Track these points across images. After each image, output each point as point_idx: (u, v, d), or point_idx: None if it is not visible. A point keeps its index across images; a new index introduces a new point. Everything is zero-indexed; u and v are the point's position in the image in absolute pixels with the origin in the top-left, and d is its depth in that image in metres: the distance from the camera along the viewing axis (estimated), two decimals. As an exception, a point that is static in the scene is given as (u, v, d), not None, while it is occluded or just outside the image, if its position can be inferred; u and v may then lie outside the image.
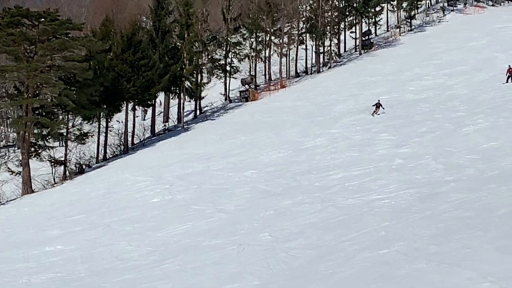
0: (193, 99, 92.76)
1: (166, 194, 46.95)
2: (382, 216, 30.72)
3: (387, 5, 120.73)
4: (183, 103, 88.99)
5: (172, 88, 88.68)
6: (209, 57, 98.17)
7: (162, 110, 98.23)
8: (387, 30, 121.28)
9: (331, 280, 23.78)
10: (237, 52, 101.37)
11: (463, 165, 37.08)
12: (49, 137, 73.32)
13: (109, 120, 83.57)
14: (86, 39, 73.92)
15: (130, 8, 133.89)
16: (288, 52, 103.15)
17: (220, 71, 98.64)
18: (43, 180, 74.03)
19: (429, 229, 27.01)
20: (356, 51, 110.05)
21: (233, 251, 30.88)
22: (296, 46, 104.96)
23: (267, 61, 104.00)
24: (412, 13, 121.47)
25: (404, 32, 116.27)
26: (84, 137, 77.99)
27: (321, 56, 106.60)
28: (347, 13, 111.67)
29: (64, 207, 50.33)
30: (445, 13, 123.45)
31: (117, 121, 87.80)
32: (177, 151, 66.59)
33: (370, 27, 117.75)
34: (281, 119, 71.01)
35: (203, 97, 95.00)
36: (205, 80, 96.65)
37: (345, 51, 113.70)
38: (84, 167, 76.14)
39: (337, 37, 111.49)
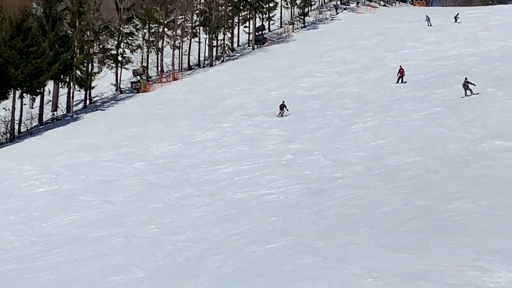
0: (83, 89, 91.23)
1: (53, 184, 46.09)
2: (270, 211, 30.93)
3: (281, 1, 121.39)
4: (73, 93, 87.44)
5: (61, 77, 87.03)
6: (101, 46, 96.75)
7: (51, 99, 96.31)
8: (281, 26, 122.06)
9: (217, 273, 23.79)
10: (129, 42, 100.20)
11: (351, 162, 37.68)
12: None
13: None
14: (-27, 23, 71.83)
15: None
16: (181, 45, 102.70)
17: (112, 61, 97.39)
18: None
19: (316, 224, 27.34)
20: (249, 46, 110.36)
21: (119, 243, 30.59)
22: (189, 38, 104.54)
23: (159, 53, 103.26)
24: (306, 10, 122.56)
25: (297, 28, 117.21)
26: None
27: (214, 49, 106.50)
28: (241, 8, 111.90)
29: None
30: (338, 11, 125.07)
31: (3, 108, 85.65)
32: (65, 141, 65.42)
33: (264, 23, 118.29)
34: (172, 112, 70.62)
35: (94, 87, 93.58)
36: (96, 70, 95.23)
37: (238, 45, 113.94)
38: (-32, 154, 73.96)
39: (230, 31, 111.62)
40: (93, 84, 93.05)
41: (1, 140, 77.88)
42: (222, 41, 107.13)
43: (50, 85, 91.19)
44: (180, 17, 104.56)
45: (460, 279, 18.88)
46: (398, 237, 23.57)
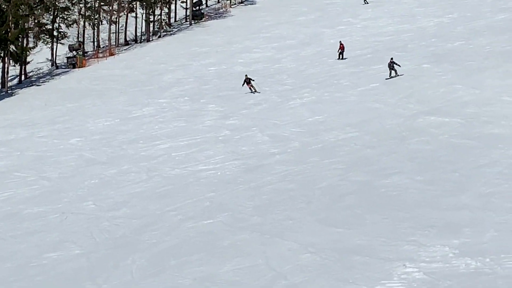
0: (18, 64, 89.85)
1: (-14, 160, 45.47)
2: (207, 186, 30.89)
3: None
4: (8, 68, 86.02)
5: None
6: (36, 21, 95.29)
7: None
8: (218, 2, 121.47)
9: (154, 249, 23.71)
10: (65, 17, 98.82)
11: (289, 138, 37.76)
12: None
13: None
14: None
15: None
16: (117, 20, 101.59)
17: (47, 36, 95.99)
18: None
19: (253, 200, 27.40)
20: (186, 21, 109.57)
21: (55, 220, 30.29)
22: (126, 13, 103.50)
23: (96, 28, 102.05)
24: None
25: (235, 4, 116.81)
26: None
27: (151, 25, 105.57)
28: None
29: None
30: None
31: None
32: (0, 116, 64.45)
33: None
34: (108, 87, 69.97)
35: (29, 62, 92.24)
36: (31, 45, 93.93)
37: (175, 21, 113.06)
38: None
39: (167, 6, 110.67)
40: (28, 59, 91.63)
41: None
42: (159, 16, 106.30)
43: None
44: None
45: (396, 253, 19.12)
46: (335, 213, 23.76)
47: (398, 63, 47.40)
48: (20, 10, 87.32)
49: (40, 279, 23.20)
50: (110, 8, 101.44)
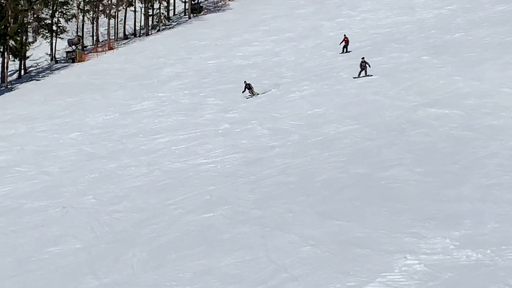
0: (18, 59, 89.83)
1: (-13, 155, 45.51)
2: (207, 180, 30.90)
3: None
4: (7, 63, 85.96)
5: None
6: (35, 16, 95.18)
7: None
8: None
9: (155, 243, 23.73)
10: (64, 12, 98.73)
11: (288, 131, 37.75)
12: None
13: None
14: None
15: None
16: (116, 14, 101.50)
17: (46, 31, 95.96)
18: None
19: (253, 193, 27.40)
20: (185, 15, 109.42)
21: (56, 214, 30.32)
22: (124, 7, 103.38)
23: (95, 22, 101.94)
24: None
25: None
26: None
27: (150, 19, 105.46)
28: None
29: None
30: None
31: None
32: (0, 111, 64.46)
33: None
34: (108, 82, 69.98)
35: (28, 57, 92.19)
36: (30, 40, 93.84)
37: (174, 14, 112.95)
38: None
39: (166, 0, 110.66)
40: (27, 54, 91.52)
41: None
42: (158, 10, 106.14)
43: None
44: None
45: (396, 245, 19.11)
46: (335, 205, 23.77)
47: (369, 64, 47.23)
48: (19, 5, 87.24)
49: (40, 274, 23.22)
50: (109, 2, 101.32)
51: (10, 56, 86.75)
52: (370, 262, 18.32)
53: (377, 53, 54.23)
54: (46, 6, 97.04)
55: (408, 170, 26.45)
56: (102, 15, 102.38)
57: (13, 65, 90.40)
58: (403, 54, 50.57)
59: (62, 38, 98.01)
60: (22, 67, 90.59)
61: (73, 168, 38.74)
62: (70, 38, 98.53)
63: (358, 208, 22.88)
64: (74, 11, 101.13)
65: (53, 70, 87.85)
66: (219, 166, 33.07)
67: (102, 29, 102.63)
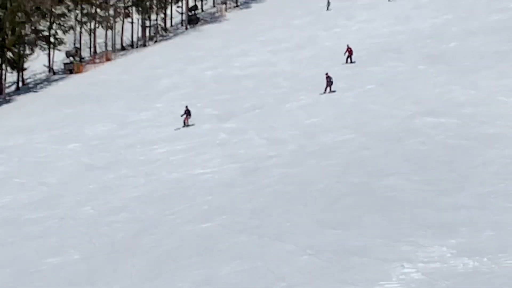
0: (16, 71, 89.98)
1: (-15, 167, 45.59)
2: (205, 190, 31.00)
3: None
4: (5, 74, 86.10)
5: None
6: (33, 28, 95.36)
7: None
8: (214, 6, 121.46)
9: (153, 253, 23.81)
10: (61, 23, 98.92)
11: (286, 141, 37.87)
12: None
13: None
14: None
15: None
16: (114, 25, 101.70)
17: (44, 43, 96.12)
18: None
19: (251, 203, 27.49)
20: (182, 26, 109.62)
21: (54, 225, 30.42)
22: (122, 19, 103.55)
23: (92, 34, 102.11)
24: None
25: (230, 8, 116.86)
26: None
27: (147, 30, 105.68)
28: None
29: None
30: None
31: None
32: (-2, 123, 64.66)
33: (197, 2, 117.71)
34: (106, 93, 70.02)
35: (26, 69, 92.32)
36: (28, 52, 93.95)
37: (171, 25, 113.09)
38: None
39: (163, 11, 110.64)
40: (25, 65, 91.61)
41: None
42: (155, 21, 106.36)
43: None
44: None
45: (394, 254, 19.22)
46: (333, 214, 23.86)
47: (332, 79, 47.48)
48: (17, 17, 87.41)
49: (39, 285, 23.32)
50: (106, 13, 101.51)
51: (8, 68, 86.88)
52: (368, 271, 18.43)
53: (373, 63, 54.37)
54: (44, 18, 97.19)
55: (405, 178, 26.54)
56: (100, 26, 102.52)
57: (11, 76, 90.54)
58: (399, 64, 50.71)
59: (59, 50, 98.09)
60: (20, 79, 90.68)
61: (72, 179, 38.84)
62: (67, 49, 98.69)
63: (356, 217, 22.97)
64: (71, 22, 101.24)
65: (51, 82, 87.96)
66: (217, 176, 33.19)
67: (100, 41, 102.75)
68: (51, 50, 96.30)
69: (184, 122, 47.69)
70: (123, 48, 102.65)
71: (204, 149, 39.55)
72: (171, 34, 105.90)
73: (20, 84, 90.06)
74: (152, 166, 38.16)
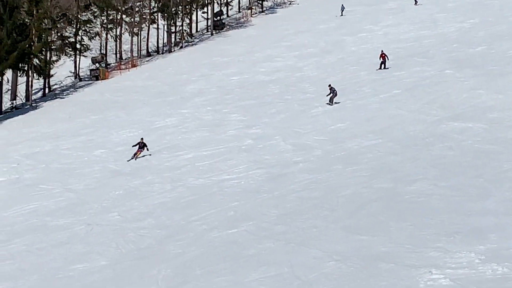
0: (42, 77, 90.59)
1: (13, 173, 45.80)
2: (231, 196, 30.95)
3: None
4: (32, 81, 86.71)
5: (20, 65, 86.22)
6: (59, 34, 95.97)
7: (10, 88, 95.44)
8: (239, 11, 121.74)
9: (179, 259, 23.78)
10: (87, 30, 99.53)
11: (311, 146, 37.78)
12: None
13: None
14: None
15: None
16: (139, 31, 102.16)
17: (70, 49, 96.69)
18: None
19: (277, 209, 27.41)
20: (208, 31, 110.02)
21: (81, 231, 30.47)
22: (147, 25, 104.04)
23: (118, 40, 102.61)
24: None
25: (256, 13, 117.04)
26: None
27: (173, 35, 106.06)
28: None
29: None
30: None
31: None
32: (25, 129, 64.96)
33: (222, 8, 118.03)
34: (131, 99, 70.29)
35: (52, 75, 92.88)
36: (54, 58, 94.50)
37: (197, 31, 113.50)
38: None
39: (189, 17, 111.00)
40: (51, 72, 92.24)
41: (-41, 130, 76.86)
42: (181, 27, 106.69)
43: (8, 74, 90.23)
44: (137, 3, 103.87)
45: (421, 260, 19.05)
46: (359, 220, 23.72)
47: (336, 91, 47.24)
48: (43, 24, 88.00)
49: (66, 291, 23.36)
50: (132, 19, 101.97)
51: (35, 74, 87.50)
52: (395, 277, 18.27)
53: (399, 68, 54.19)
54: (70, 24, 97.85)
55: (432, 184, 26.36)
56: (125, 32, 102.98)
57: (38, 83, 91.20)
58: (425, 68, 50.48)
59: (85, 56, 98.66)
60: (46, 86, 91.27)
61: (98, 185, 38.93)
62: (93, 56, 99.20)
63: (383, 222, 22.82)
64: (97, 29, 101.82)
65: (77, 88, 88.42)
66: (242, 182, 33.14)
67: (125, 47, 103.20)
68: (77, 57, 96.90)
69: (135, 154, 44.02)
70: (148, 54, 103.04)
71: (230, 155, 39.53)
72: (196, 40, 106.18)
73: (47, 90, 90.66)
74: (178, 172, 38.18)
